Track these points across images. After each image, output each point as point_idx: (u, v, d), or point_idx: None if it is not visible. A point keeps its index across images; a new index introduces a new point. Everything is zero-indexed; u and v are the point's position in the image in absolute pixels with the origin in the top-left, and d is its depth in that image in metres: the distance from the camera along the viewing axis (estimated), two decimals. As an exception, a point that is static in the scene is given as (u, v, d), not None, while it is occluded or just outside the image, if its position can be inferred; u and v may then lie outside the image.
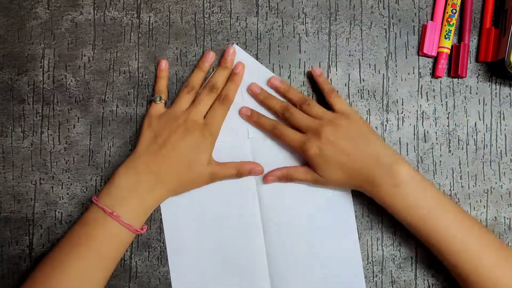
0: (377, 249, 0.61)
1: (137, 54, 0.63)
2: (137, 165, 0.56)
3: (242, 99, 0.62)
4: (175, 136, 0.57)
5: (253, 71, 0.62)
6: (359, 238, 0.61)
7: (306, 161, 0.59)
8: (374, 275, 0.61)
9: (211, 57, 0.61)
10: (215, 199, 0.61)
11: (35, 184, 0.62)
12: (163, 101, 0.60)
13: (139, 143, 0.58)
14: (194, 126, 0.58)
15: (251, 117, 0.61)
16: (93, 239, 0.54)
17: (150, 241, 0.62)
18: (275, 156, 0.61)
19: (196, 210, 0.61)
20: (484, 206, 0.62)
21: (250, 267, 0.61)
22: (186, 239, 0.61)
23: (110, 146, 0.62)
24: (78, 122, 0.62)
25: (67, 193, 0.62)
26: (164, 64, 0.61)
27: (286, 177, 0.60)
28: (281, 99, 0.62)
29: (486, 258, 0.53)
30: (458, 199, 0.62)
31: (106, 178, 0.62)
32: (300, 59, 0.63)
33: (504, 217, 0.62)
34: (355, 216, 0.61)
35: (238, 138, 0.62)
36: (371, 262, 0.61)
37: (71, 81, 0.62)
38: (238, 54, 0.62)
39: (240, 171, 0.60)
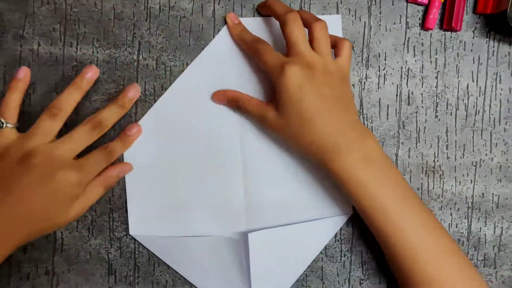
0: (347, 225, 0.53)
1: (65, -19, 0.51)
2: None
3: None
4: (27, 180, 0.42)
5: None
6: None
7: (274, 92, 0.48)
8: (342, 255, 0.53)
9: (93, 73, 0.47)
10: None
11: None
12: (9, 125, 0.45)
13: None
14: (58, 166, 0.43)
15: (234, 28, 0.51)
16: None
17: (78, 209, 0.52)
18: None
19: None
20: (471, 180, 0.54)
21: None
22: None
23: (30, 93, 0.51)
24: (-11, 62, 0.51)
25: (-24, 149, 0.51)
26: (23, 73, 0.46)
27: (235, 102, 0.50)
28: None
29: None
30: (443, 171, 0.54)
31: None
32: (267, -3, 0.52)
33: (493, 193, 0.54)
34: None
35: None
36: (339, 240, 0.53)
37: (-19, 10, 0.51)
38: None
39: (107, 185, 0.49)
